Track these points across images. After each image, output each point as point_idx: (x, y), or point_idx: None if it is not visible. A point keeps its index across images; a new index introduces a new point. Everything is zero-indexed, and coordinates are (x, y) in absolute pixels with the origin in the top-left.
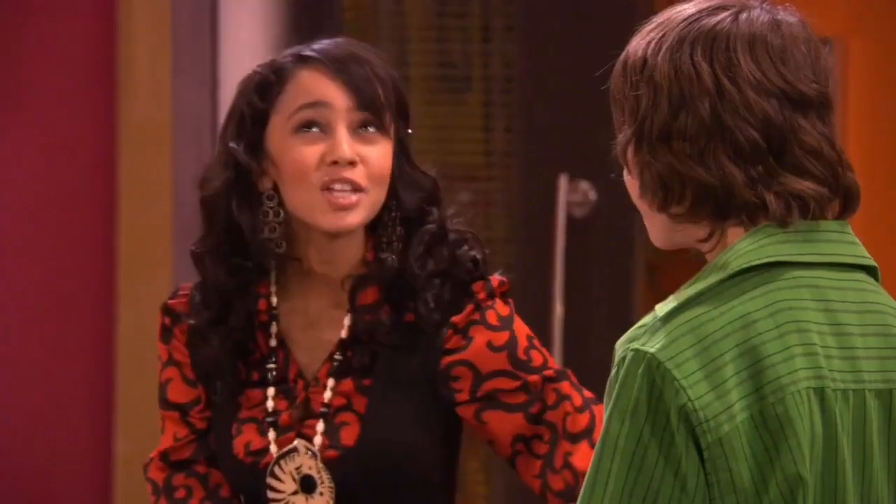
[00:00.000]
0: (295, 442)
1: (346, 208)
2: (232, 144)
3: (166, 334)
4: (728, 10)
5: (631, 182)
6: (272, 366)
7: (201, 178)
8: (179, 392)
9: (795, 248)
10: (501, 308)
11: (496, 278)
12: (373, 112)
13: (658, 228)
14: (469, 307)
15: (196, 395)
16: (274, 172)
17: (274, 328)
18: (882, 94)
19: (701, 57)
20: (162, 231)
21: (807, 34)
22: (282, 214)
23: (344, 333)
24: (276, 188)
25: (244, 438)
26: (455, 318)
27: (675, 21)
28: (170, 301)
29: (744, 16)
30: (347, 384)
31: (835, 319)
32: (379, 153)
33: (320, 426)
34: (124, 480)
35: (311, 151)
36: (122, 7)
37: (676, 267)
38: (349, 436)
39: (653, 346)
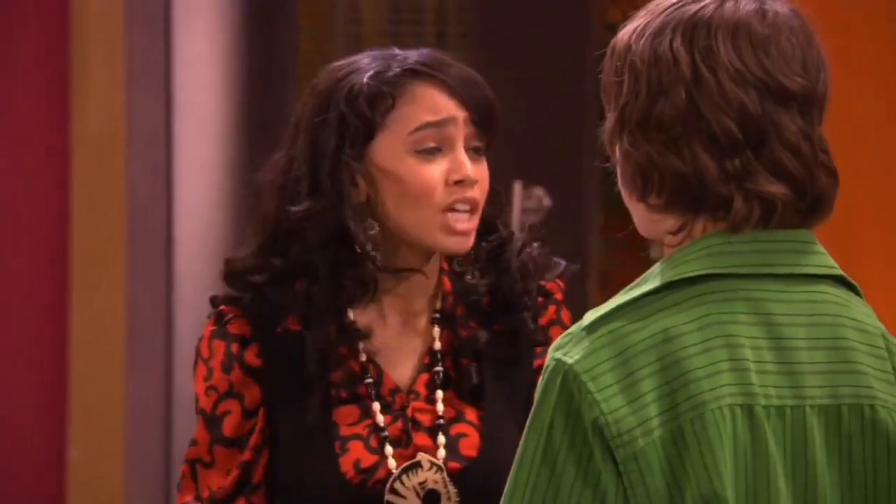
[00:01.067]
0: (418, 456)
1: (466, 234)
2: (344, 156)
3: (229, 363)
4: None
5: (617, 170)
6: (370, 380)
7: (272, 189)
8: (236, 426)
9: (737, 260)
10: (566, 309)
11: (563, 281)
12: (489, 134)
13: (638, 218)
14: (552, 308)
15: (251, 426)
16: (371, 186)
17: (360, 343)
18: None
19: (680, 43)
20: (115, 239)
21: (797, 24)
22: (376, 227)
23: (438, 345)
24: (367, 201)
25: (352, 457)
26: (542, 321)
27: (662, 7)
28: (229, 327)
29: (729, 3)
30: (451, 394)
31: (776, 333)
32: (485, 172)
33: (441, 439)
34: (77, 486)
35: (434, 171)
36: (75, 16)
37: (630, 273)
38: (470, 447)
39: (573, 357)
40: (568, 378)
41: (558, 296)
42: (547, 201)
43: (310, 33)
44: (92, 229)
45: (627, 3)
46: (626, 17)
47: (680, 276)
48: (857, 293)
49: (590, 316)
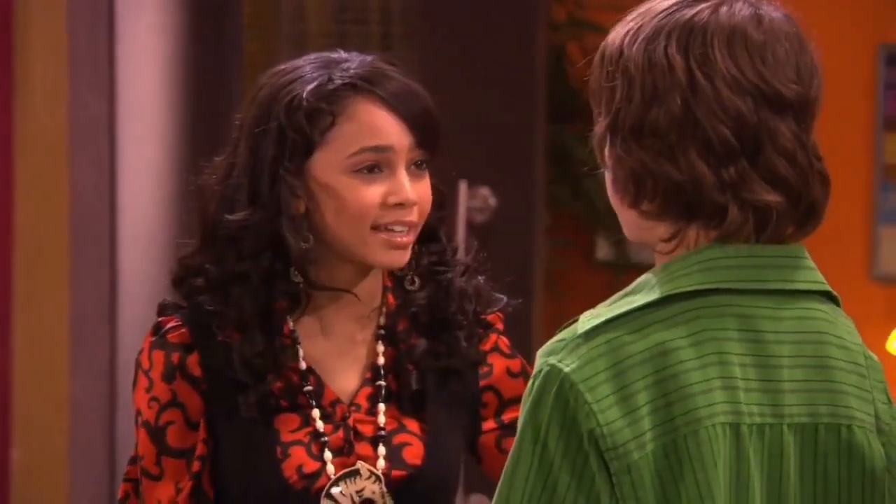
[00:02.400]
0: (357, 464)
1: (403, 247)
2: (283, 169)
3: (170, 373)
4: (708, 1)
5: (606, 176)
6: (309, 388)
7: (212, 195)
8: (180, 436)
9: (731, 275)
10: (505, 337)
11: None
12: (429, 150)
13: (627, 223)
14: (493, 337)
15: (195, 436)
16: (310, 199)
17: (301, 351)
18: None
19: (675, 49)
20: (59, 238)
21: (791, 30)
22: (311, 240)
23: (381, 360)
24: (306, 213)
25: (294, 462)
26: (484, 347)
27: (654, 11)
28: (169, 337)
29: (724, 8)
30: (393, 407)
31: (762, 351)
32: (427, 188)
33: (382, 450)
34: (20, 488)
35: (372, 193)
36: (18, 13)
37: (575, 272)
38: (414, 456)
39: (568, 365)
40: (564, 386)
41: (499, 325)
42: (493, 201)
43: (254, 34)
44: (35, 228)
45: (573, 2)
46: (570, 17)
47: (676, 291)
48: (839, 307)
49: (586, 323)
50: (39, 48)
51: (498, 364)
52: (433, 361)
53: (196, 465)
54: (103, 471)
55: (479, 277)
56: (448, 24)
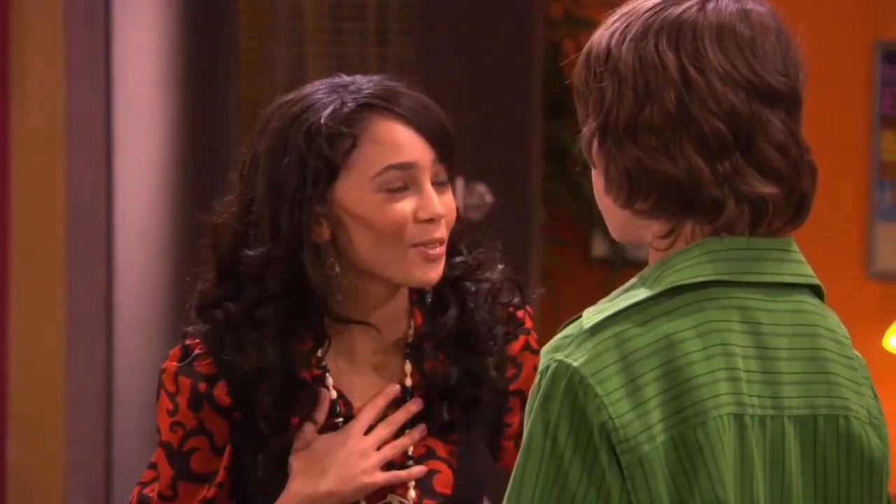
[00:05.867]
0: (388, 497)
1: (437, 260)
2: (306, 198)
3: (197, 401)
4: None
5: (595, 177)
6: (339, 420)
7: (227, 231)
8: (205, 461)
9: (731, 267)
10: (534, 334)
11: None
12: (448, 163)
13: (618, 223)
14: (522, 338)
15: (218, 462)
16: (337, 226)
17: (330, 380)
18: None
19: (667, 47)
20: (55, 237)
21: (777, 24)
22: (336, 267)
23: (409, 381)
24: (332, 240)
25: None
26: (512, 352)
27: (640, 11)
28: (196, 365)
29: (711, 5)
30: (421, 430)
31: (762, 343)
32: (452, 202)
33: (413, 480)
34: (17, 485)
35: (402, 209)
36: (15, 11)
37: (572, 270)
38: (444, 483)
39: (576, 360)
40: (574, 380)
41: (528, 324)
42: (489, 198)
43: (250, 31)
44: (32, 226)
45: None
46: (567, 14)
47: (680, 283)
48: (823, 301)
49: (590, 318)
50: (36, 45)
51: (527, 363)
52: (462, 391)
53: (213, 491)
54: (100, 469)
55: (498, 269)
56: (445, 21)
